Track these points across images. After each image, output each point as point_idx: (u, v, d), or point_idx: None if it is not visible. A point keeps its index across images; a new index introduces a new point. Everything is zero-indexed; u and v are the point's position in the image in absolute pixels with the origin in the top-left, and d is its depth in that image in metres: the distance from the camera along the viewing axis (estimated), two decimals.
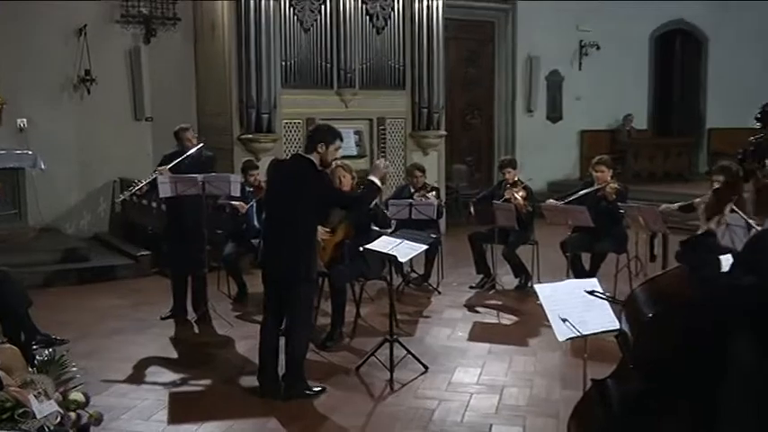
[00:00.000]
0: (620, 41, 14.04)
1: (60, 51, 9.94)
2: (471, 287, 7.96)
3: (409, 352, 5.57)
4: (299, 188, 4.78)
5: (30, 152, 9.24)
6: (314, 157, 4.84)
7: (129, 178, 9.81)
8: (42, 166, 9.19)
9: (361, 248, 5.78)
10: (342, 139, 5.02)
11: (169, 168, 6.63)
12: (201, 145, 6.89)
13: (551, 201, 7.49)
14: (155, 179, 6.60)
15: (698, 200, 6.58)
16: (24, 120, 9.80)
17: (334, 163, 5.93)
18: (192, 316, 6.90)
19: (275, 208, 4.93)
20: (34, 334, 5.88)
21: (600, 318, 3.75)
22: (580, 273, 7.31)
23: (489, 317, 7.03)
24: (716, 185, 6.54)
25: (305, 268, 4.81)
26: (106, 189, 10.38)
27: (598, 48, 13.94)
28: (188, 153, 6.73)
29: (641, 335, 2.87)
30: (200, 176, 6.51)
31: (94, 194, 10.35)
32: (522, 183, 7.83)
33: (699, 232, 2.91)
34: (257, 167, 7.79)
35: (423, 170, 8.14)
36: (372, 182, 4.96)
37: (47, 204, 9.82)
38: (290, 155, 9.53)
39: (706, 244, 2.79)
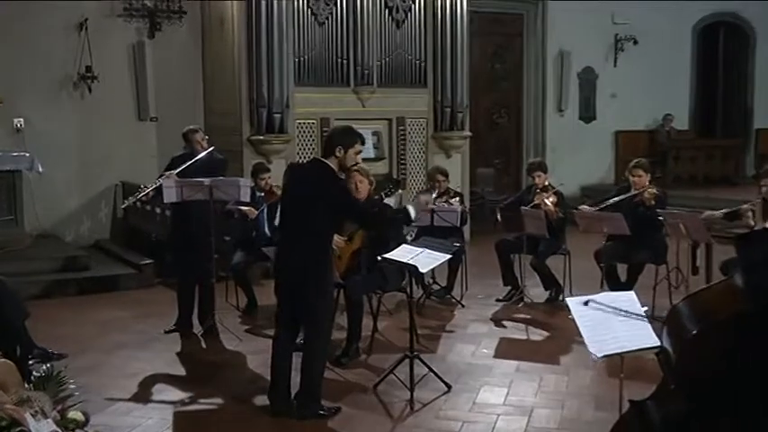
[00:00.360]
0: (660, 35, 13.97)
1: (59, 47, 10.03)
2: (498, 300, 7.94)
3: (431, 369, 5.56)
4: (314, 194, 4.79)
5: (27, 154, 9.33)
6: (332, 162, 4.84)
7: (132, 182, 9.94)
8: (40, 169, 9.28)
9: (379, 258, 5.78)
10: (363, 142, 5.01)
11: (177, 173, 6.66)
12: (212, 149, 6.91)
13: (584, 207, 7.46)
14: (161, 184, 6.63)
15: (745, 206, 6.52)
16: (21, 120, 9.90)
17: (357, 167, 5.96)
18: (198, 329, 6.93)
19: (289, 214, 4.95)
20: (31, 348, 5.92)
21: (638, 334, 3.72)
22: (616, 285, 7.26)
23: (517, 332, 7.00)
24: (765, 190, 6.51)
25: (320, 278, 4.82)
26: (108, 193, 10.46)
27: (635, 42, 13.88)
28: (198, 157, 6.75)
29: (684, 353, 2.85)
30: (207, 180, 6.54)
31: (95, 199, 10.44)
32: (553, 187, 7.81)
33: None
34: (269, 170, 7.82)
35: (445, 174, 8.14)
36: (408, 213, 5.02)
37: (45, 210, 9.92)
38: (303, 157, 9.71)
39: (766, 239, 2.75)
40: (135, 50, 10.43)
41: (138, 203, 9.70)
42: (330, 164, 4.85)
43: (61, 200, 10.20)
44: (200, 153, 6.79)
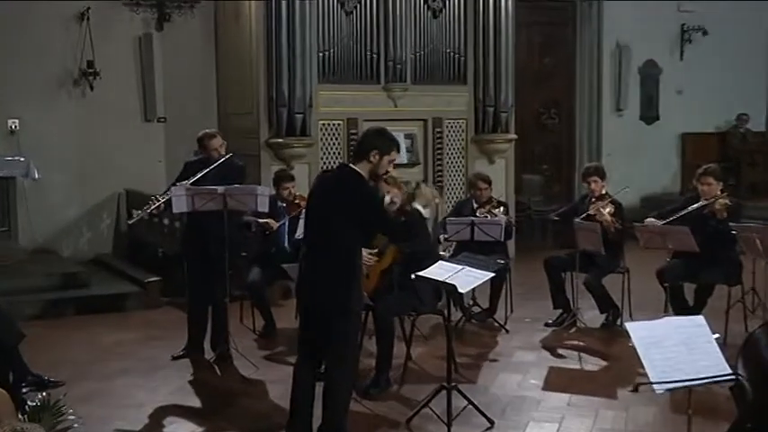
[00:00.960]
0: (732, 24, 13.84)
1: (58, 40, 10.16)
2: (547, 324, 7.90)
3: (471, 402, 5.54)
4: (340, 203, 4.77)
5: (21, 158, 9.44)
6: (363, 168, 4.83)
7: (137, 190, 10.05)
8: (36, 175, 9.39)
9: (412, 276, 5.77)
10: (399, 150, 5.02)
11: (191, 184, 6.71)
12: (230, 155, 6.94)
13: (651, 219, 7.39)
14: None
15: None
16: (16, 120, 10.03)
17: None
18: (209, 355, 6.97)
19: (313, 226, 4.95)
20: (25, 374, 5.98)
21: (709, 364, 3.68)
22: (682, 308, 7.20)
23: (569, 361, 6.96)
24: None
25: (346, 297, 4.80)
26: (110, 203, 10.56)
27: (704, 32, 13.78)
28: (215, 164, 6.79)
29: (763, 387, 2.81)
30: (220, 188, 6.59)
31: (96, 209, 10.55)
32: (611, 196, 7.77)
33: None
34: (293, 179, 7.84)
35: (488, 181, 8.13)
36: (416, 211, 5.01)
37: (40, 220, 10.03)
38: (327, 163, 9.75)
39: None
40: (141, 44, 10.55)
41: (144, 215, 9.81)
42: (360, 170, 4.83)
43: (59, 210, 10.31)
44: (216, 161, 6.82)
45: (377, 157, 4.81)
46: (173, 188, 6.75)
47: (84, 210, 10.50)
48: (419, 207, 5.02)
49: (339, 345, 4.87)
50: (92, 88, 10.25)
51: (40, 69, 10.10)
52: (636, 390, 2.74)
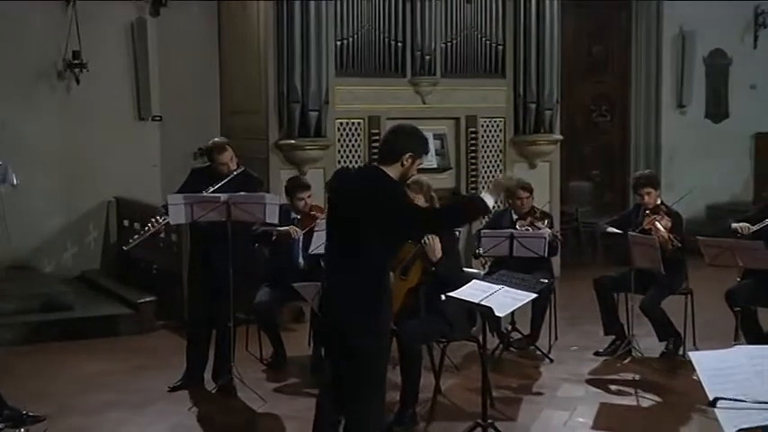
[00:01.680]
0: None
1: (39, 27, 10.20)
2: (597, 353, 7.89)
3: None
4: (367, 206, 4.73)
5: None
6: (392, 172, 4.81)
7: (129, 198, 10.10)
8: (14, 181, 9.37)
9: (442, 297, 5.77)
10: (428, 151, 5.04)
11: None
12: (243, 169, 6.98)
13: (741, 223, 7.22)
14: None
15: None
16: None
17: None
18: (211, 386, 6.99)
19: (334, 233, 4.93)
20: (0, 408, 6.02)
21: None
22: (755, 336, 7.15)
23: (623, 397, 6.94)
24: None
25: (371, 318, 4.77)
26: (98, 212, 10.59)
27: None
28: (226, 180, 6.83)
29: None
30: (224, 196, 6.62)
31: (83, 220, 10.59)
32: (667, 207, 7.74)
33: None
34: (309, 188, 7.82)
35: (530, 189, 8.13)
36: (483, 202, 4.92)
37: (18, 232, 10.05)
38: (350, 165, 9.72)
39: None
40: (134, 31, 10.60)
41: (136, 225, 9.83)
42: (389, 172, 4.82)
43: (39, 220, 10.35)
44: (226, 176, 6.86)
45: (410, 160, 4.81)
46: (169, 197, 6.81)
47: (69, 220, 10.55)
48: (488, 199, 4.99)
49: (363, 373, 4.84)
50: (78, 82, 10.30)
51: (19, 61, 10.15)
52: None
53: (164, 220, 6.91)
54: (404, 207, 4.82)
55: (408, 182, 6.13)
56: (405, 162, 4.79)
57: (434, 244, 6.14)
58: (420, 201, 6.13)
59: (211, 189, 6.80)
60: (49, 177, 10.33)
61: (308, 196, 7.70)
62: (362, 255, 4.74)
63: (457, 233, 6.94)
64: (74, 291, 9.36)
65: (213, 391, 6.92)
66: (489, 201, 4.92)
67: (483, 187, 10.62)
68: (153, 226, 6.97)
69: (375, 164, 4.94)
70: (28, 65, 10.22)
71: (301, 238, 7.60)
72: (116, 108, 10.58)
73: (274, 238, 7.50)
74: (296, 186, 7.74)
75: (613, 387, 7.14)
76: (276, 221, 7.13)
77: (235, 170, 6.92)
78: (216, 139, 7.19)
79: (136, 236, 7.24)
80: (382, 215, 4.70)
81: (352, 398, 4.90)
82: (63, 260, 10.55)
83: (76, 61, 10.23)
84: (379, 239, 4.73)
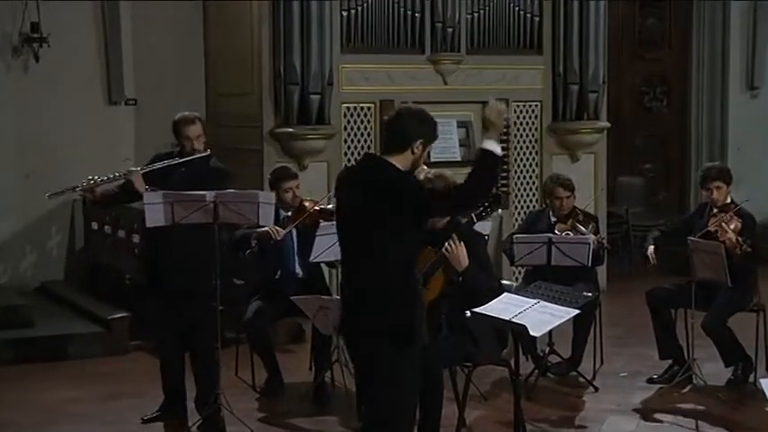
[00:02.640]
0: None
1: None
2: (651, 380, 7.88)
3: None
4: (380, 204, 4.77)
5: None
6: (401, 162, 4.85)
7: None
8: None
9: (467, 313, 5.80)
10: (437, 136, 5.06)
11: (147, 173, 6.78)
12: (207, 153, 7.02)
13: None
14: (124, 176, 6.75)
15: None
16: None
17: (417, 173, 5.96)
18: (194, 417, 6.99)
19: (346, 239, 4.97)
20: None
21: None
22: None
23: (682, 430, 6.93)
24: None
25: (402, 327, 4.80)
26: (61, 213, 10.61)
27: None
28: (183, 159, 6.86)
29: None
30: (210, 194, 6.65)
31: (43, 222, 10.62)
32: (737, 206, 7.74)
33: None
34: (296, 177, 7.87)
35: (571, 187, 8.12)
36: (485, 151, 4.82)
37: None
38: (354, 160, 9.73)
39: None
40: (104, 2, 10.63)
41: (106, 228, 9.88)
42: (397, 164, 4.86)
43: None
44: (189, 155, 6.88)
45: (420, 147, 4.85)
46: (131, 170, 6.82)
47: (27, 222, 10.58)
48: (491, 144, 4.95)
49: (395, 386, 4.85)
50: (37, 59, 10.33)
51: None
52: None
53: (108, 176, 6.90)
54: (421, 198, 4.82)
55: (431, 176, 6.19)
56: (415, 150, 4.83)
57: (458, 251, 6.14)
58: None
59: (157, 165, 6.83)
60: (2, 172, 10.36)
61: (297, 186, 7.73)
62: (383, 258, 4.78)
63: (485, 236, 6.94)
64: (32, 305, 9.38)
65: (196, 424, 6.91)
66: (495, 147, 4.80)
67: (515, 185, 10.67)
68: (89, 182, 6.93)
69: (377, 153, 4.96)
70: None
71: (295, 242, 7.62)
72: (83, 90, 10.61)
73: (254, 244, 7.55)
74: (280, 177, 7.76)
75: (670, 420, 7.11)
76: (271, 223, 7.17)
77: (200, 152, 6.94)
78: (186, 112, 7.15)
79: (65, 187, 7.14)
80: (398, 210, 4.74)
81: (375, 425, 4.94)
82: (20, 269, 10.59)
83: (35, 35, 10.23)
84: (395, 236, 4.78)
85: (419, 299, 4.95)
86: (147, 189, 6.70)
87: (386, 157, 4.85)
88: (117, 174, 6.87)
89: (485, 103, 10.27)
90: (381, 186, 4.79)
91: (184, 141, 6.91)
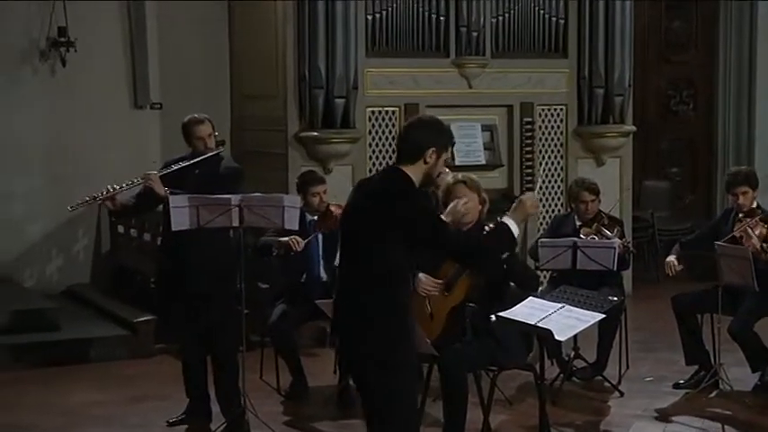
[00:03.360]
0: None
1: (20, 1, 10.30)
2: (677, 385, 7.86)
3: None
4: (380, 217, 4.76)
5: None
6: (415, 171, 4.84)
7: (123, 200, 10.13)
8: None
9: (492, 317, 5.78)
10: (453, 143, 5.03)
11: (164, 176, 6.80)
12: (221, 149, 7.04)
13: None
14: (148, 189, 6.76)
15: None
16: None
17: (442, 178, 5.93)
18: (219, 421, 7.00)
19: (347, 250, 4.96)
20: None
21: None
22: None
23: None
24: None
25: (391, 345, 4.75)
26: (88, 217, 10.66)
27: None
28: (194, 159, 6.88)
29: None
30: (235, 198, 6.66)
31: (70, 226, 10.67)
32: (763, 212, 7.70)
33: None
34: (323, 181, 7.89)
35: (596, 191, 8.10)
36: (505, 226, 4.92)
37: None
38: (379, 164, 9.74)
39: None
40: (131, 5, 10.68)
41: (132, 232, 9.92)
42: (410, 174, 4.85)
43: (20, 226, 10.47)
44: (201, 154, 6.90)
45: (434, 156, 4.80)
46: (149, 174, 6.82)
47: (54, 226, 10.65)
48: (510, 222, 4.94)
49: (385, 414, 4.80)
50: (64, 64, 10.40)
51: None
52: None
53: (127, 184, 6.90)
54: (423, 225, 4.77)
55: (457, 181, 6.18)
56: (428, 159, 4.79)
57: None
58: (474, 201, 6.15)
59: (174, 167, 6.84)
60: (30, 176, 10.44)
61: (324, 191, 7.74)
62: (377, 271, 4.74)
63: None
64: (59, 308, 9.40)
65: (221, 428, 6.91)
66: (514, 228, 4.87)
67: (540, 188, 10.63)
68: (109, 191, 6.93)
69: (397, 165, 4.89)
70: (4, 43, 10.32)
71: (321, 247, 7.63)
72: (109, 94, 10.67)
73: (275, 252, 7.56)
74: (308, 182, 7.79)
75: (696, 426, 7.09)
76: (296, 228, 7.17)
77: (213, 150, 6.95)
78: (196, 114, 7.15)
79: (87, 198, 7.14)
80: (397, 232, 4.70)
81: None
82: (47, 273, 10.65)
83: (62, 39, 10.31)
84: (392, 253, 4.74)
85: (410, 315, 4.89)
86: (166, 191, 6.72)
87: (401, 167, 4.84)
88: (135, 180, 6.88)
89: (510, 107, 10.43)
90: (385, 197, 4.77)
91: (196, 142, 6.95)
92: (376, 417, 4.83)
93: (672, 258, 7.81)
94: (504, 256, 6.02)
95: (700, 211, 12.68)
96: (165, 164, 7.12)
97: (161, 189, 6.73)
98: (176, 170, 6.87)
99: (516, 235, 4.88)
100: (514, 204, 5.02)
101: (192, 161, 6.89)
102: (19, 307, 9.22)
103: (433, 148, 4.79)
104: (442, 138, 4.87)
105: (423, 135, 4.86)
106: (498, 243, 4.96)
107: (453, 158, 9.97)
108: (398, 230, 4.70)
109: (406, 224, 4.71)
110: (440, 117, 9.82)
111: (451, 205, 5.16)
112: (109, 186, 6.90)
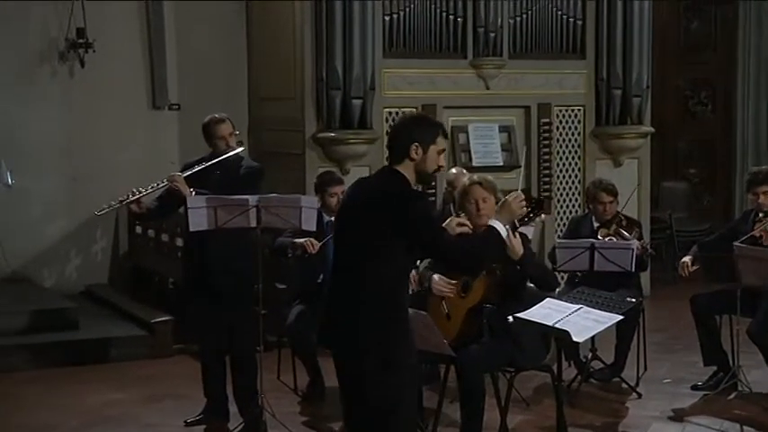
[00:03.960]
0: None
1: (38, 2, 10.32)
2: (695, 387, 7.84)
3: None
4: (371, 218, 4.73)
5: None
6: (406, 170, 4.81)
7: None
8: (9, 181, 9.53)
9: (509, 318, 5.77)
10: (447, 135, 4.98)
11: (187, 177, 6.81)
12: (241, 149, 7.05)
13: None
14: (170, 190, 6.78)
15: None
16: None
17: (455, 177, 5.93)
18: (236, 421, 7.02)
19: (338, 250, 4.94)
20: None
21: None
22: None
23: None
24: None
25: (379, 348, 4.71)
26: (106, 217, 10.54)
27: None
28: (219, 158, 6.90)
29: None
30: (253, 198, 6.67)
31: (88, 226, 10.69)
32: None
33: None
34: (341, 182, 7.89)
35: (614, 192, 8.08)
36: (493, 230, 4.84)
37: (14, 240, 10.22)
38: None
39: None
40: (149, 5, 10.70)
41: (150, 232, 9.93)
42: (404, 173, 4.84)
43: (39, 226, 10.50)
44: (222, 153, 6.92)
45: (418, 151, 4.76)
46: (174, 175, 6.83)
47: (73, 226, 10.68)
48: (496, 224, 4.88)
49: (382, 414, 4.76)
50: (83, 65, 10.42)
51: (13, 39, 10.29)
52: None
53: (151, 187, 6.90)
54: (416, 227, 4.72)
55: (473, 182, 6.18)
56: (413, 155, 4.76)
57: (514, 242, 6.10)
58: (490, 202, 6.15)
59: (196, 168, 6.85)
60: (49, 176, 10.48)
61: (342, 192, 7.73)
62: (370, 272, 4.70)
63: (529, 235, 6.89)
64: (77, 308, 9.41)
65: (239, 428, 6.93)
66: (502, 230, 4.83)
67: (557, 190, 10.63)
68: (134, 194, 6.92)
69: (392, 165, 4.88)
70: (24, 45, 10.36)
71: None
72: (127, 95, 10.71)
73: (290, 254, 7.56)
74: (326, 182, 7.81)
75: (715, 428, 7.07)
76: (313, 228, 7.17)
77: (235, 149, 6.95)
78: (216, 114, 7.15)
79: (113, 202, 7.12)
80: (387, 229, 4.67)
81: None
82: (65, 273, 10.69)
83: (81, 40, 10.33)
84: (382, 254, 4.70)
85: (405, 316, 4.84)
86: (191, 192, 6.73)
87: (395, 167, 4.81)
88: (160, 182, 6.87)
89: (527, 108, 10.42)
90: (377, 198, 4.75)
91: (218, 141, 6.96)
92: (373, 417, 4.77)
93: (687, 259, 7.80)
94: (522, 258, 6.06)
95: (718, 213, 12.65)
96: (185, 165, 7.12)
97: (186, 190, 6.73)
98: (199, 171, 6.87)
99: (505, 236, 4.86)
100: (499, 205, 4.99)
101: (214, 161, 6.90)
102: (38, 307, 9.25)
103: (416, 143, 4.76)
104: (424, 132, 4.83)
105: (404, 132, 4.86)
106: (487, 246, 4.90)
107: (471, 159, 10.04)
108: (393, 234, 4.68)
109: (402, 229, 4.67)
110: (457, 118, 9.99)
111: (448, 221, 5.11)
112: (134, 189, 6.89)
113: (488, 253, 4.97)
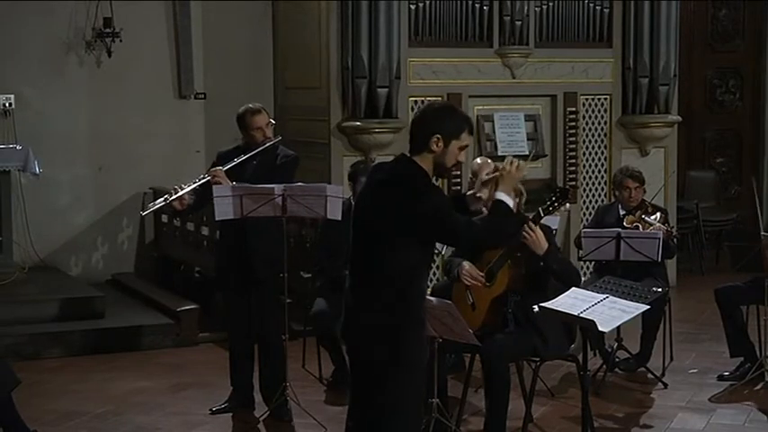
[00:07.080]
0: None
1: None
2: (721, 377, 7.80)
3: None
4: (386, 207, 4.68)
5: (18, 147, 9.61)
6: (423, 161, 4.72)
7: (168, 189, 10.16)
8: (37, 170, 9.57)
9: (534, 308, 5.76)
10: (472, 131, 4.87)
11: (226, 170, 6.81)
12: (279, 139, 7.05)
13: None
14: (206, 184, 6.78)
15: None
16: (10, 97, 10.26)
17: (479, 167, 5.87)
18: (262, 409, 7.04)
19: (354, 240, 4.85)
20: (18, 431, 6.13)
21: None
22: None
23: (754, 428, 6.85)
24: None
25: (392, 341, 4.66)
26: (132, 206, 10.69)
27: None
28: (257, 149, 6.89)
29: None
30: (278, 187, 6.67)
31: (114, 215, 10.78)
32: None
33: None
34: None
35: (640, 179, 8.05)
36: (501, 204, 4.73)
37: (41, 229, 10.27)
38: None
39: None
40: None
41: (175, 218, 9.96)
42: (421, 164, 4.73)
43: (66, 215, 10.57)
44: (260, 145, 6.91)
45: (440, 143, 4.65)
46: (205, 176, 6.83)
47: (99, 215, 10.74)
48: (504, 196, 4.78)
49: (383, 414, 4.72)
50: (109, 54, 10.47)
51: (40, 29, 10.33)
52: None
53: (191, 185, 6.88)
54: (427, 216, 4.61)
55: (490, 174, 6.15)
56: (434, 147, 4.64)
57: (537, 235, 6.09)
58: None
59: (236, 160, 6.83)
60: (76, 165, 10.55)
61: None
62: (386, 264, 4.65)
63: (554, 230, 6.87)
64: (104, 296, 9.46)
65: (264, 416, 6.96)
66: (507, 199, 4.72)
67: (583, 179, 10.60)
68: (176, 191, 6.90)
69: (409, 154, 4.77)
70: (51, 34, 10.41)
71: None
72: (153, 84, 10.75)
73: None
74: (359, 173, 7.77)
75: (741, 418, 7.03)
76: (339, 218, 7.15)
77: (268, 140, 6.94)
78: (251, 104, 7.12)
79: (158, 200, 7.09)
80: (401, 219, 4.59)
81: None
82: (92, 261, 10.75)
83: (108, 30, 10.38)
84: (396, 243, 4.63)
85: (420, 311, 4.76)
86: (233, 184, 6.73)
87: (412, 157, 4.71)
88: (201, 177, 6.87)
89: (553, 97, 10.39)
90: (393, 187, 4.67)
91: (254, 132, 6.94)
92: (378, 413, 4.74)
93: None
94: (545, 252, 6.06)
95: (746, 202, 12.55)
96: (219, 154, 7.11)
97: (228, 183, 6.73)
98: (239, 161, 6.86)
99: (511, 205, 4.77)
100: (498, 176, 4.81)
101: (253, 152, 6.87)
102: (65, 295, 9.30)
103: (438, 135, 4.65)
104: (448, 124, 4.69)
105: (427, 122, 4.72)
106: (500, 219, 4.75)
107: (496, 148, 10.01)
108: (409, 228, 4.59)
109: (417, 223, 4.58)
110: (482, 107, 9.94)
111: (477, 180, 5.01)
112: (176, 186, 6.89)
113: (506, 225, 4.81)
